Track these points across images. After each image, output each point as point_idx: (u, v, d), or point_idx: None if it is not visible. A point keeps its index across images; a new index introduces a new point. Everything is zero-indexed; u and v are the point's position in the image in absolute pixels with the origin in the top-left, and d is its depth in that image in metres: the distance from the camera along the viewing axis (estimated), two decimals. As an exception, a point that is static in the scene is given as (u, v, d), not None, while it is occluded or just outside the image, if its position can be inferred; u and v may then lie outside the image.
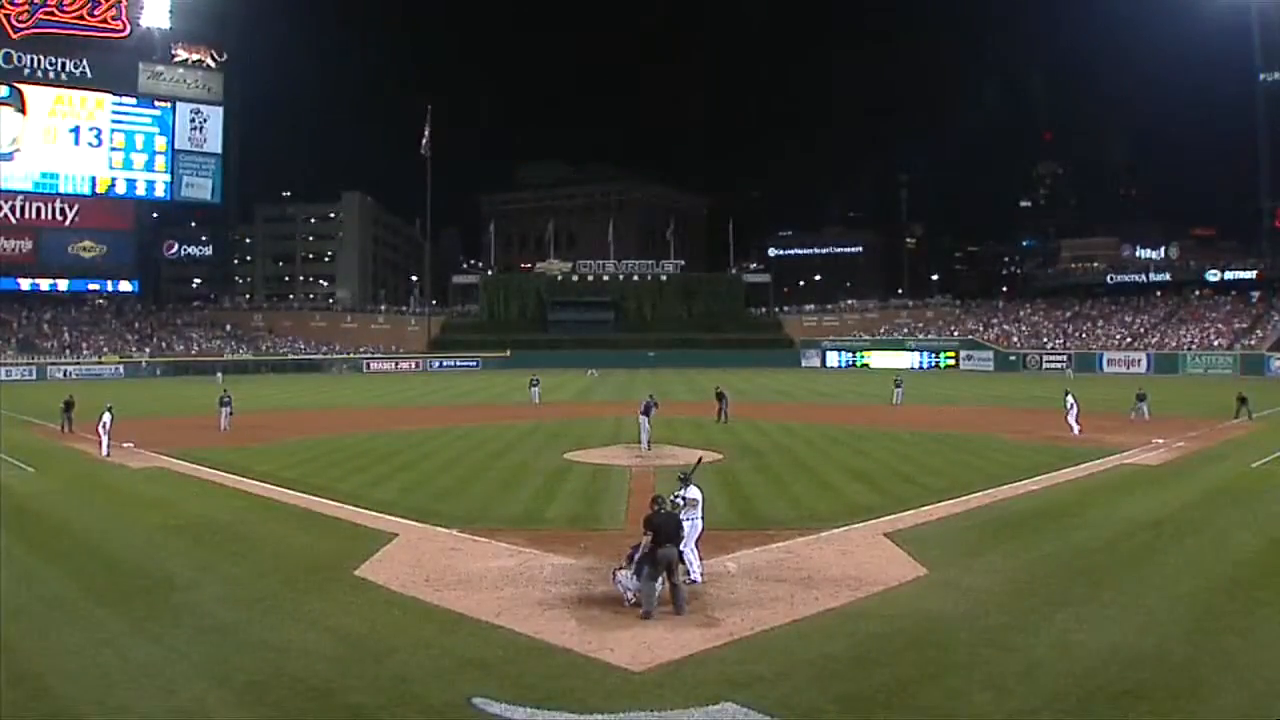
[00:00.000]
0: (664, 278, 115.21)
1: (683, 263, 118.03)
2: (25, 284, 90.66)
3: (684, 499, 14.13)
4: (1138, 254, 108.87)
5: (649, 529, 12.67)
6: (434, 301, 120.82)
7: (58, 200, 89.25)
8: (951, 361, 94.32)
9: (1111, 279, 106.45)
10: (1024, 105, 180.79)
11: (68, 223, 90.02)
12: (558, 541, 16.54)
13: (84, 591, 13.62)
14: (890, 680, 10.18)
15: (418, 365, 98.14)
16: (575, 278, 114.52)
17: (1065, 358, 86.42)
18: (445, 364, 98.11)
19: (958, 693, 9.81)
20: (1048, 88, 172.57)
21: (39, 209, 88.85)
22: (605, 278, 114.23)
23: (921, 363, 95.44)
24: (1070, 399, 34.10)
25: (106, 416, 28.99)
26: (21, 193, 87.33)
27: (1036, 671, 10.34)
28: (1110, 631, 11.61)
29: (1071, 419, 33.46)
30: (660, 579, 12.56)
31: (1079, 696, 9.68)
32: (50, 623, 12.12)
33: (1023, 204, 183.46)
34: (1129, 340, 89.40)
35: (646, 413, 29.99)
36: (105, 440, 28.58)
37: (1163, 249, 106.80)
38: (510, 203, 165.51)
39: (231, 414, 36.66)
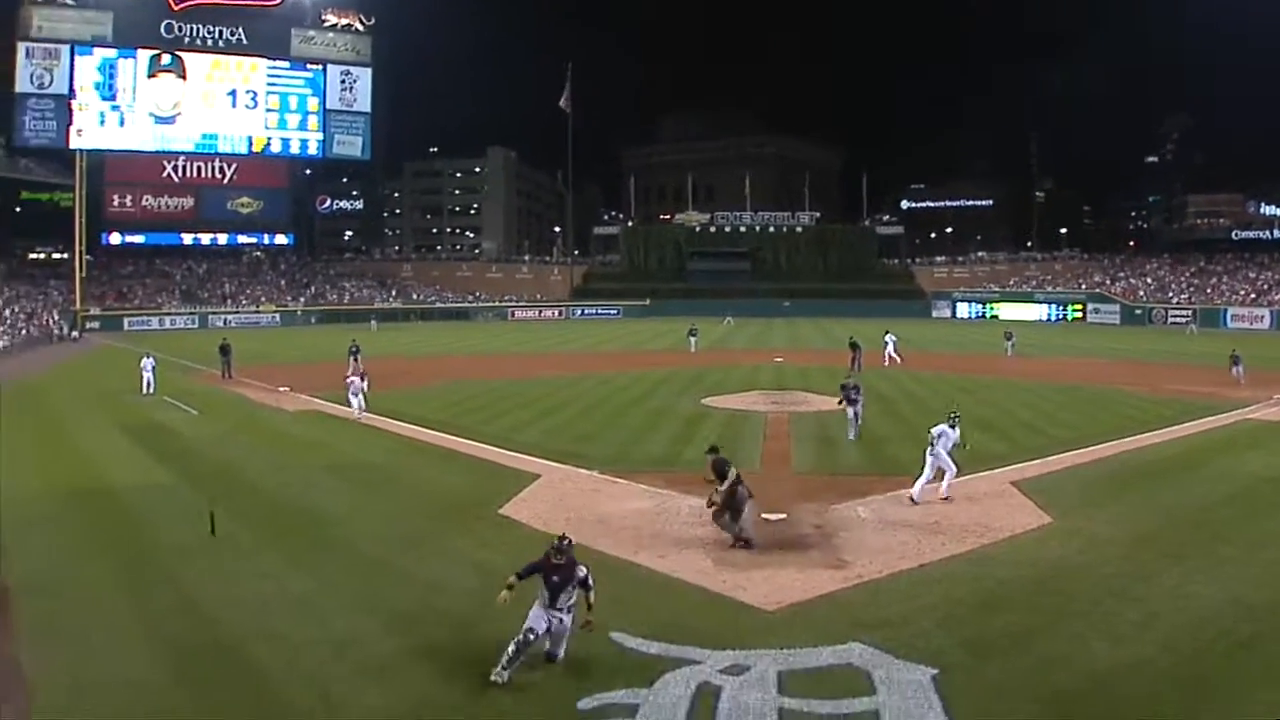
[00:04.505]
0: (799, 229, 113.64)
1: (818, 214, 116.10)
2: (187, 239, 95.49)
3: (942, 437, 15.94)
4: (1263, 211, 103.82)
5: (720, 474, 13.17)
6: (576, 252, 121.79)
7: (217, 159, 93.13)
8: (1079, 314, 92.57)
9: (1236, 235, 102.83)
10: (1153, 61, 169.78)
11: (226, 181, 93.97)
12: (694, 484, 16.58)
13: (245, 527, 14.34)
14: (1012, 625, 10.25)
15: (560, 313, 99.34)
16: (713, 229, 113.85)
17: (1189, 313, 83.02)
18: (587, 312, 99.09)
19: (1077, 638, 9.84)
20: (1178, 43, 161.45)
21: (199, 168, 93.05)
22: (742, 229, 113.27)
23: (1049, 315, 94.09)
24: (888, 337, 40.81)
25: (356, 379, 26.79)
26: (183, 153, 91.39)
27: (1154, 621, 10.31)
28: (1227, 584, 11.48)
29: (888, 354, 39.54)
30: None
31: (1194, 647, 9.64)
32: (215, 557, 12.82)
33: (1149, 159, 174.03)
34: (1253, 296, 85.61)
35: (853, 403, 23.92)
36: (360, 397, 26.05)
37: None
38: (650, 156, 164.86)
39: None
